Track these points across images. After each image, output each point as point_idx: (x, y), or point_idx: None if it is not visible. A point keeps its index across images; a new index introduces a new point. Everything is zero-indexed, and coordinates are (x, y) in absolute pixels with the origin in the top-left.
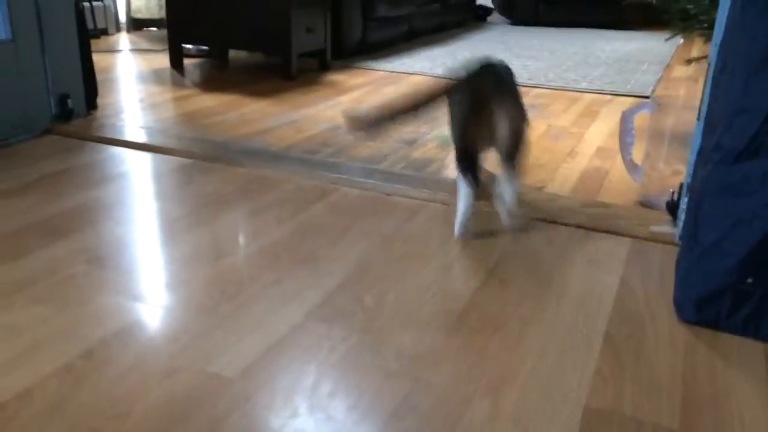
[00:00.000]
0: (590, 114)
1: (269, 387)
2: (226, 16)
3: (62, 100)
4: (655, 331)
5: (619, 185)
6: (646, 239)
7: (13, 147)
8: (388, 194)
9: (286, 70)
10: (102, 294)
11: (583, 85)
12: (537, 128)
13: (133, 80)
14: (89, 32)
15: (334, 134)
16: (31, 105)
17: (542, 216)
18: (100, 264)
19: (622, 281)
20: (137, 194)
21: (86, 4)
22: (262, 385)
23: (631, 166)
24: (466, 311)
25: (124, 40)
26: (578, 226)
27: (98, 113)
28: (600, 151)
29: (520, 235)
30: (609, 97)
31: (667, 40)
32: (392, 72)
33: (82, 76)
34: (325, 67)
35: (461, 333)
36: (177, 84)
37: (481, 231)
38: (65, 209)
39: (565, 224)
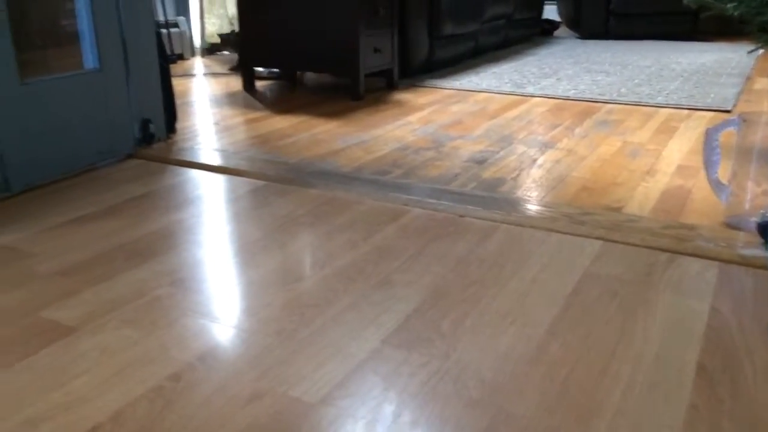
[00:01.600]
0: (668, 130)
1: (351, 414)
2: (295, 39)
3: (144, 125)
4: (752, 363)
5: (704, 205)
6: (735, 263)
7: (98, 171)
8: (461, 215)
9: (355, 90)
10: (186, 316)
11: (659, 99)
12: (612, 145)
13: (208, 104)
14: (168, 58)
15: (403, 154)
16: (116, 131)
17: (621, 239)
18: (184, 286)
19: (712, 309)
20: (215, 217)
21: (164, 30)
22: (344, 412)
23: (716, 186)
24: (546, 339)
25: (198, 64)
26: (662, 249)
27: (177, 137)
28: (681, 169)
29: (599, 259)
30: (687, 111)
31: (750, 52)
32: (459, 90)
33: (163, 101)
34: (392, 86)
35: (543, 362)
36: (249, 106)
37: (556, 254)
38: (148, 232)
39: (648, 247)
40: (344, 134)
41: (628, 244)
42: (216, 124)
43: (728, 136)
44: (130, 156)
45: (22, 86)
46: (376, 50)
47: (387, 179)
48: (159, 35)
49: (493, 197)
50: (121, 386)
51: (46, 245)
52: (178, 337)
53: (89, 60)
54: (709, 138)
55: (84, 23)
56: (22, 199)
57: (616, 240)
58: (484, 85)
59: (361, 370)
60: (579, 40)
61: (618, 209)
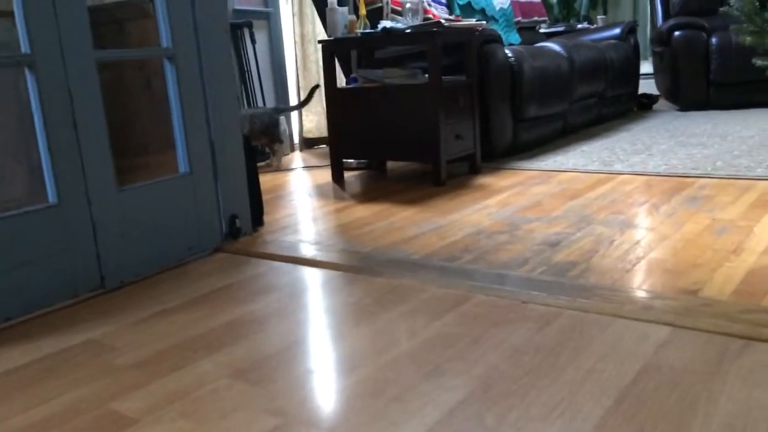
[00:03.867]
0: (764, 204)
1: None
2: (380, 130)
3: (231, 220)
4: None
5: None
6: None
7: (187, 266)
8: (524, 302)
9: (436, 176)
10: (240, 409)
11: (758, 171)
12: (699, 223)
13: (299, 196)
14: (255, 158)
15: (476, 239)
16: (205, 227)
17: (692, 325)
18: (243, 377)
19: None
20: (284, 308)
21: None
22: None
23: None
24: None
25: (297, 158)
26: (736, 336)
27: (264, 229)
28: None
29: (664, 347)
30: None
31: None
32: (543, 171)
33: (249, 197)
34: (475, 171)
35: None
36: (337, 197)
37: (618, 342)
38: (222, 323)
39: (721, 333)
40: (421, 221)
41: (698, 329)
42: (303, 215)
43: None
44: (217, 250)
45: (119, 193)
46: (457, 137)
47: (454, 265)
48: (247, 138)
49: (560, 282)
50: None
51: (127, 339)
52: (227, 428)
53: (182, 165)
54: None
55: (177, 132)
56: (115, 294)
57: (685, 326)
58: (570, 165)
59: None
60: (678, 113)
61: (694, 292)
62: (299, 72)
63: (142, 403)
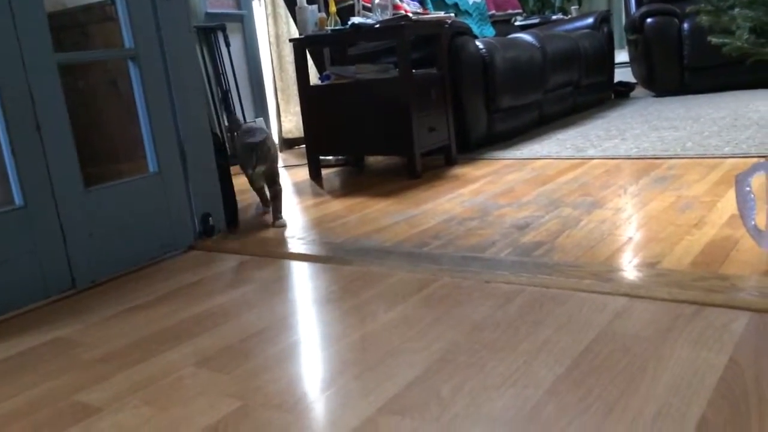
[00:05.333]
0: (729, 180)
1: None
2: (354, 126)
3: (204, 219)
4: (759, 415)
5: (749, 255)
6: None
7: (159, 264)
8: (487, 281)
9: (411, 169)
10: (203, 394)
11: (725, 150)
12: (664, 201)
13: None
14: (228, 157)
15: (447, 226)
16: (177, 226)
17: (647, 294)
18: (207, 365)
19: (731, 360)
20: (253, 299)
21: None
22: None
23: (755, 233)
24: (544, 400)
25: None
26: (689, 302)
27: (239, 228)
28: (733, 219)
29: (620, 316)
30: (755, 159)
31: None
32: (518, 159)
33: (222, 196)
34: (450, 162)
35: (535, 423)
36: (314, 193)
37: (576, 314)
38: (190, 316)
39: (674, 301)
40: (395, 212)
41: (653, 299)
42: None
43: (760, 181)
44: (191, 248)
45: (86, 193)
46: (431, 129)
47: (423, 251)
48: (219, 138)
49: (524, 261)
50: None
51: (95, 335)
52: (189, 414)
53: (151, 164)
54: (740, 185)
55: (144, 131)
56: (86, 294)
57: (641, 296)
58: (544, 152)
59: None
60: (654, 99)
61: (653, 264)
62: (275, 73)
63: (106, 393)
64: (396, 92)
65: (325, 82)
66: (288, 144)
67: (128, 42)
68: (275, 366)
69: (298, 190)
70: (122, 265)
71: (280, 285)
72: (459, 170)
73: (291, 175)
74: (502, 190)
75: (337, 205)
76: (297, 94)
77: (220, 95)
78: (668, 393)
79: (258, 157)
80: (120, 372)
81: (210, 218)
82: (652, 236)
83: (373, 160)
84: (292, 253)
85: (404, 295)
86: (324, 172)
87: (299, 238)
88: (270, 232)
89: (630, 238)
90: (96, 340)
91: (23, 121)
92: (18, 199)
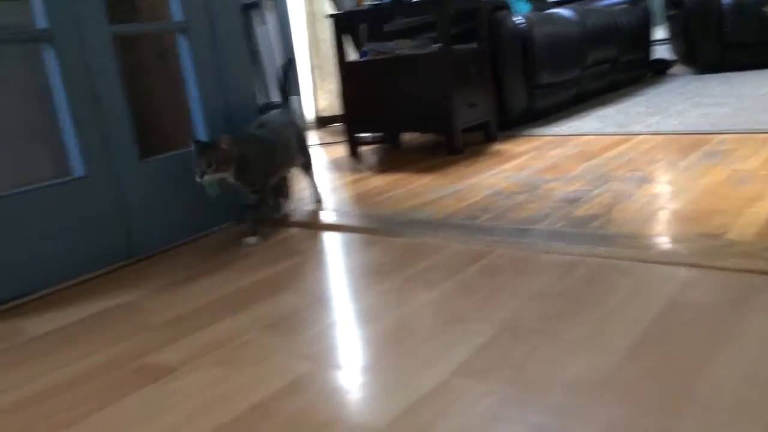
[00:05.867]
0: None
1: None
2: (393, 102)
3: None
4: None
5: None
6: None
7: (213, 235)
8: (546, 252)
9: (451, 145)
10: (273, 355)
11: None
12: (718, 175)
13: (315, 170)
14: None
15: (495, 200)
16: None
17: (714, 264)
18: (273, 330)
19: None
20: (310, 268)
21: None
22: None
23: None
24: (620, 365)
25: (312, 136)
26: (758, 272)
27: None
28: None
29: (688, 286)
30: None
31: None
32: (559, 136)
33: None
34: (490, 139)
35: (613, 387)
36: (353, 169)
37: (641, 284)
38: (248, 284)
39: (744, 271)
40: (439, 186)
41: (721, 269)
42: (320, 187)
43: None
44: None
45: (143, 164)
46: (471, 105)
47: (475, 223)
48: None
49: (580, 233)
50: (208, 416)
51: (158, 301)
52: (262, 374)
53: (200, 137)
54: None
55: (194, 105)
56: (144, 263)
57: (709, 266)
58: (585, 129)
59: (427, 400)
60: (694, 76)
61: (717, 236)
62: (311, 51)
63: (178, 355)
64: (435, 67)
65: (364, 59)
66: (323, 122)
67: (178, 15)
68: (343, 330)
69: (338, 166)
70: (177, 236)
71: (332, 256)
72: (500, 147)
73: (327, 152)
74: (546, 165)
75: (380, 181)
76: (332, 72)
77: (256, 75)
78: (751, 357)
79: (207, 162)
80: (188, 335)
81: None
82: (711, 209)
83: (409, 137)
84: (341, 226)
85: (460, 266)
86: (361, 149)
87: (345, 212)
88: (316, 206)
89: (687, 211)
90: (159, 306)
91: (82, 93)
92: (78, 170)
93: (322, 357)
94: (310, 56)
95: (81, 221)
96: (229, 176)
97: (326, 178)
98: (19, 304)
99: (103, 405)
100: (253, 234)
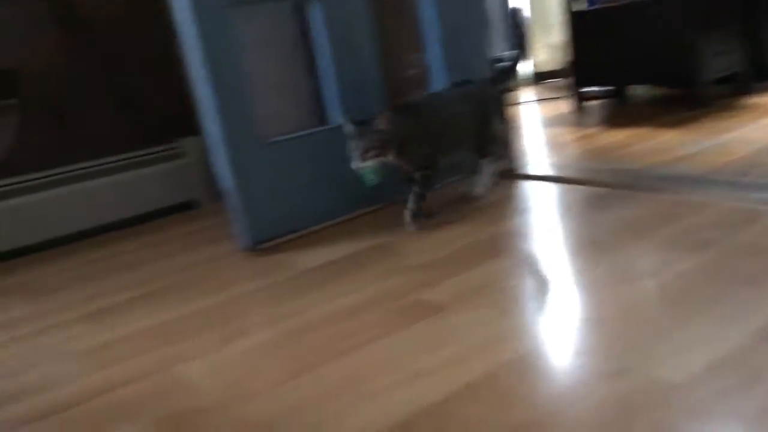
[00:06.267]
0: None
1: (710, 404)
2: (626, 54)
3: None
4: None
5: None
6: None
7: (454, 185)
8: None
9: (695, 99)
10: (533, 302)
11: None
12: None
13: (537, 126)
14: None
15: (764, 155)
16: None
17: None
18: (539, 277)
19: None
20: (557, 219)
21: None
22: (702, 401)
23: None
24: None
25: (528, 92)
26: None
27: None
28: None
29: None
30: None
31: None
32: None
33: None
34: (743, 91)
35: None
36: (580, 125)
37: None
38: (494, 234)
39: None
40: (688, 141)
41: None
42: (546, 143)
43: None
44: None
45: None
46: (718, 54)
47: (745, 180)
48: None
49: None
50: (485, 354)
51: (409, 246)
52: (527, 321)
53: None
54: None
55: (435, 60)
56: (389, 210)
57: None
58: None
59: (727, 364)
60: None
61: None
62: (531, 3)
63: (442, 295)
64: (677, 12)
65: (592, 7)
66: (540, 77)
67: None
68: (617, 283)
69: (562, 122)
70: None
71: (579, 209)
72: (755, 100)
73: (548, 109)
74: None
75: (616, 136)
76: (552, 24)
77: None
78: None
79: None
80: (447, 278)
81: None
82: None
83: (637, 92)
84: (583, 179)
85: (734, 226)
86: (584, 104)
87: (585, 167)
88: (546, 158)
89: None
90: (410, 251)
91: (342, 46)
92: (336, 119)
93: (593, 309)
94: (531, 8)
95: (340, 166)
96: (389, 158)
97: (553, 134)
98: (291, 239)
99: (389, 332)
100: (417, 215)
